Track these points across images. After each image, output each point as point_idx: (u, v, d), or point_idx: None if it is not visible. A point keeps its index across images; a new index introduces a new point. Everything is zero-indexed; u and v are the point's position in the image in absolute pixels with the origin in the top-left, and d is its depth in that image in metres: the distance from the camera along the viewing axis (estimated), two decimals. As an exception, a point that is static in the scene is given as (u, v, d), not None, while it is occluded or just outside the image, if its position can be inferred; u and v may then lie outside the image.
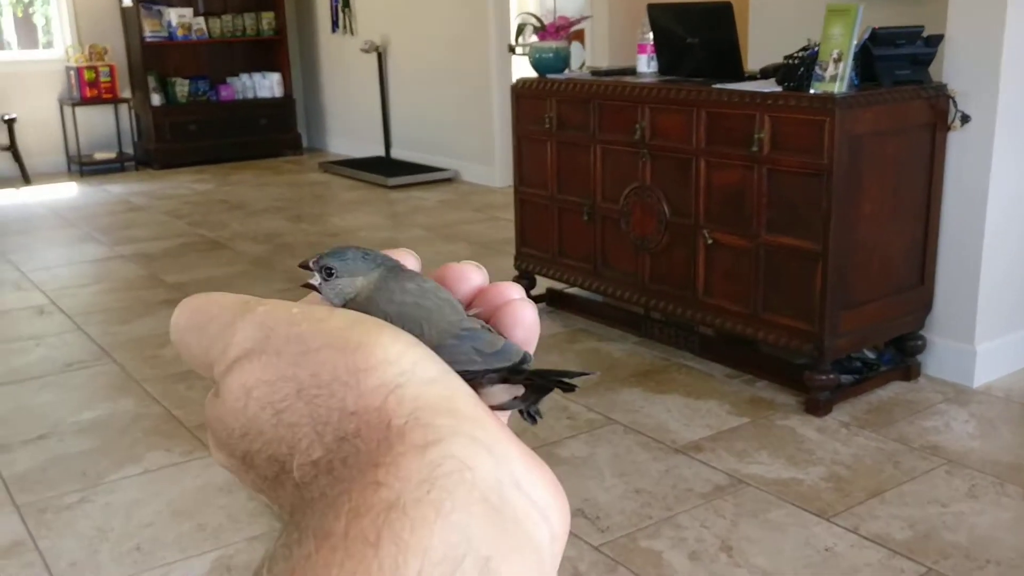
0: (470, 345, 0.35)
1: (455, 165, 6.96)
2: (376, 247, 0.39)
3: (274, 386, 0.33)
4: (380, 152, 7.65)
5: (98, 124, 7.88)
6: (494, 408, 0.34)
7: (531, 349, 0.37)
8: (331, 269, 0.37)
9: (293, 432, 0.32)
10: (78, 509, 2.43)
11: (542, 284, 3.91)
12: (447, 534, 0.29)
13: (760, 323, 2.97)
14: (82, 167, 7.65)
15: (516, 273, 3.89)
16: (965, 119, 2.94)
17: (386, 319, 0.35)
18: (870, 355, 3.14)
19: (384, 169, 7.06)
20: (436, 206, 6.11)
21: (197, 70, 8.16)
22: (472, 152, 6.82)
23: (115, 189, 7.04)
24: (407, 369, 0.32)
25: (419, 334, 0.35)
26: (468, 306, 0.38)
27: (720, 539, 2.21)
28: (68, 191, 7.07)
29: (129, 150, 7.99)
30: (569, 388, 0.35)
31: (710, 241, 3.07)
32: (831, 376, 2.84)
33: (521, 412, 0.36)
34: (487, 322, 0.37)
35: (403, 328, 0.35)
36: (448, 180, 6.91)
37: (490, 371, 0.35)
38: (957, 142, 2.98)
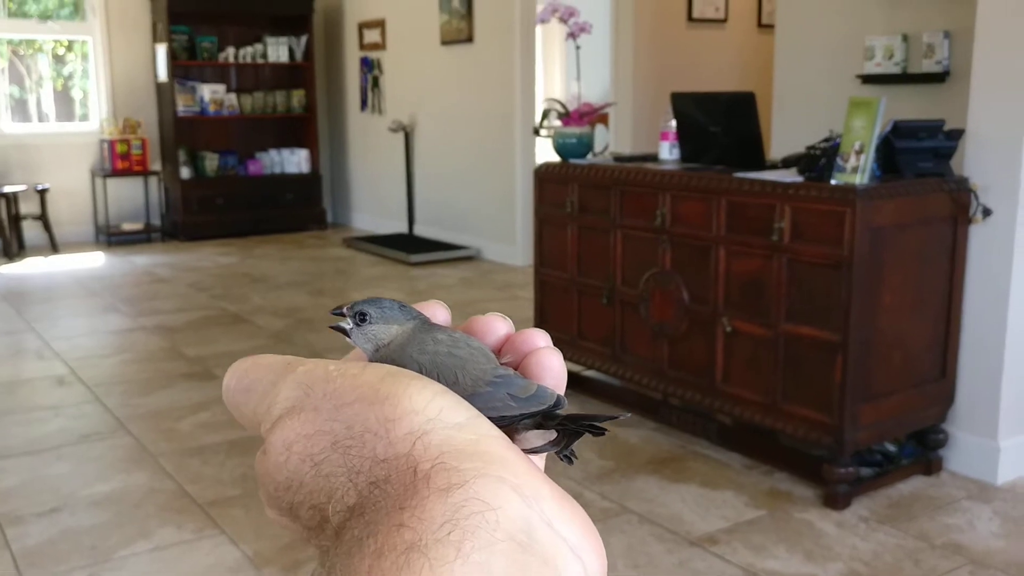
0: (505, 391, 0.36)
1: (477, 243, 7.01)
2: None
3: (312, 440, 0.35)
4: (404, 229, 7.73)
5: (128, 195, 8.02)
6: (529, 452, 0.36)
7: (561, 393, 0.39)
8: (366, 315, 0.39)
9: (330, 482, 0.34)
10: (85, 586, 2.41)
11: (560, 366, 3.89)
12: (467, 572, 0.30)
13: (779, 413, 2.94)
14: (110, 237, 7.76)
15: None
16: (987, 212, 2.94)
17: (419, 369, 0.37)
18: (891, 448, 3.10)
19: (407, 246, 7.11)
20: (457, 284, 6.14)
21: (227, 144, 8.32)
22: (494, 230, 6.87)
23: (141, 260, 7.13)
24: (434, 416, 0.34)
25: (454, 382, 0.36)
26: (497, 355, 0.39)
27: (736, 637, 2.15)
28: (95, 261, 7.16)
29: (157, 221, 8.12)
30: (599, 432, 0.36)
31: (729, 329, 3.06)
32: (850, 469, 2.79)
33: (557, 454, 0.37)
34: (516, 370, 0.38)
35: (438, 377, 0.37)
36: (470, 258, 6.96)
37: (525, 416, 0.36)
38: (979, 235, 2.98)
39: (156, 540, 2.65)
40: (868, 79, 4.27)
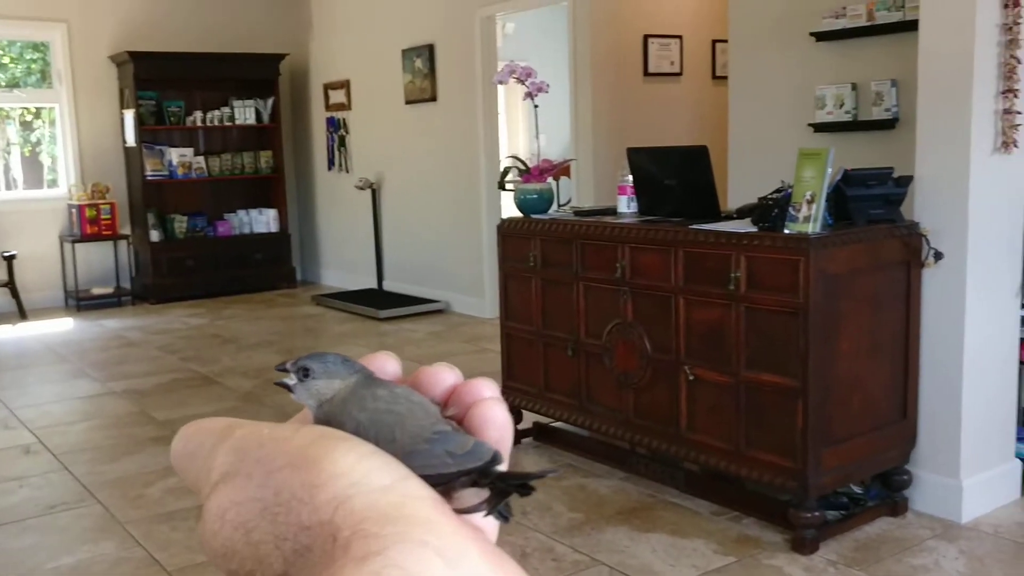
0: (442, 448, 0.36)
1: (446, 296, 7.05)
2: None
3: (244, 507, 0.35)
4: (373, 284, 7.76)
5: (97, 260, 8.01)
6: (462, 512, 0.35)
7: (505, 447, 0.38)
8: (309, 370, 0.39)
9: (259, 550, 0.34)
10: (51, 660, 2.38)
11: (528, 418, 3.91)
12: None
13: (743, 460, 2.97)
14: (79, 302, 7.73)
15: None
16: (938, 256, 3.02)
17: (358, 426, 0.37)
18: (857, 490, 3.13)
19: (376, 301, 7.14)
20: (426, 337, 6.16)
21: (196, 206, 8.35)
22: (462, 284, 6.92)
23: (111, 324, 7.10)
24: (358, 480, 0.34)
25: (392, 440, 0.36)
26: (444, 406, 0.39)
27: None
28: (64, 326, 7.12)
29: (126, 285, 8.09)
30: (527, 492, 0.36)
31: (692, 377, 3.10)
32: (816, 514, 2.82)
33: (488, 513, 0.36)
34: (460, 422, 0.38)
35: (376, 435, 0.36)
36: (439, 311, 6.99)
37: (461, 473, 0.36)
38: (932, 279, 3.05)
39: (123, 610, 2.63)
40: (820, 127, 4.38)
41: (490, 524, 0.37)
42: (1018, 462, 3.20)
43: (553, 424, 3.87)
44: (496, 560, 0.34)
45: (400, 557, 0.32)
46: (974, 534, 2.94)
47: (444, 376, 0.41)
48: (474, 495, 0.36)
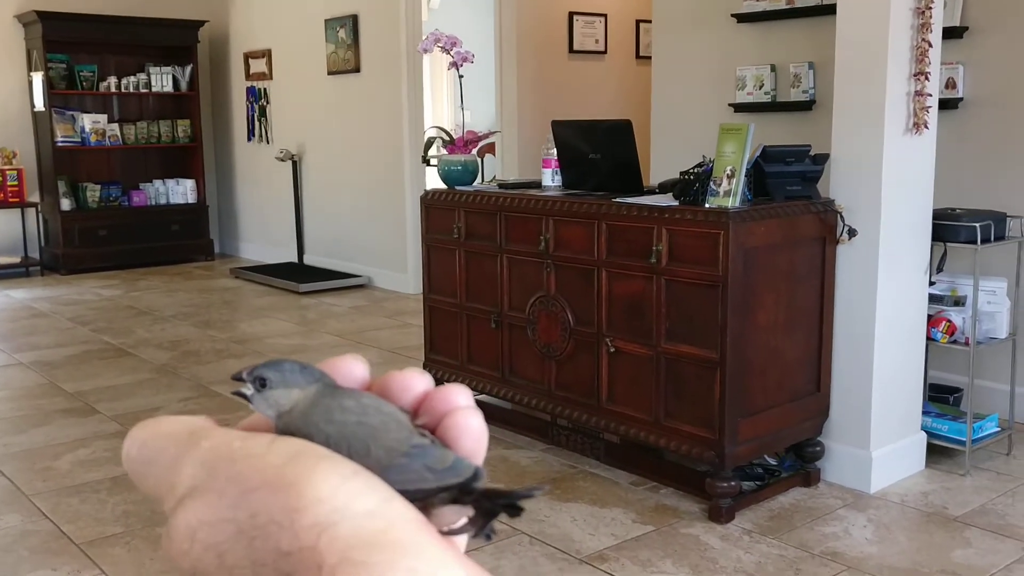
0: (421, 463, 0.35)
1: (368, 272, 6.98)
2: (286, 354, 0.39)
3: (216, 528, 0.33)
4: (293, 258, 7.64)
5: (3, 228, 7.72)
6: (449, 533, 0.34)
7: (479, 458, 0.37)
8: (265, 380, 0.37)
9: (233, 573, 0.33)
10: (-47, 635, 2.30)
11: (451, 392, 3.90)
12: None
13: (662, 430, 3.01)
14: (-16, 272, 7.45)
15: (425, 381, 3.89)
16: (852, 233, 3.09)
17: (327, 440, 0.34)
18: (771, 461, 3.21)
19: (296, 275, 7.04)
20: (348, 312, 6.10)
21: (109, 176, 8.10)
22: (385, 259, 6.86)
23: (18, 294, 6.86)
24: (340, 506, 0.32)
25: (366, 454, 0.34)
26: (414, 415, 0.37)
27: (622, 651, 2.19)
28: (-33, 296, 6.86)
29: (35, 255, 7.82)
30: (516, 513, 0.34)
31: (612, 349, 3.13)
32: (732, 483, 2.88)
33: (474, 535, 0.35)
34: (433, 432, 0.36)
35: (348, 449, 0.34)
36: (361, 286, 6.92)
37: (442, 489, 0.34)
38: (846, 255, 3.12)
39: (30, 584, 2.55)
40: (740, 107, 4.44)
41: (461, 537, 0.36)
42: (923, 435, 3.31)
43: (476, 397, 3.86)
44: None
45: None
46: (882, 503, 3.03)
47: (414, 382, 0.38)
48: (454, 512, 0.35)
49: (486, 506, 0.34)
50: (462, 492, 0.34)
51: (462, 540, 0.36)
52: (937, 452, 3.33)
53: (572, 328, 3.26)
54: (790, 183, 3.07)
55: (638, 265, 3.02)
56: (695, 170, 3.03)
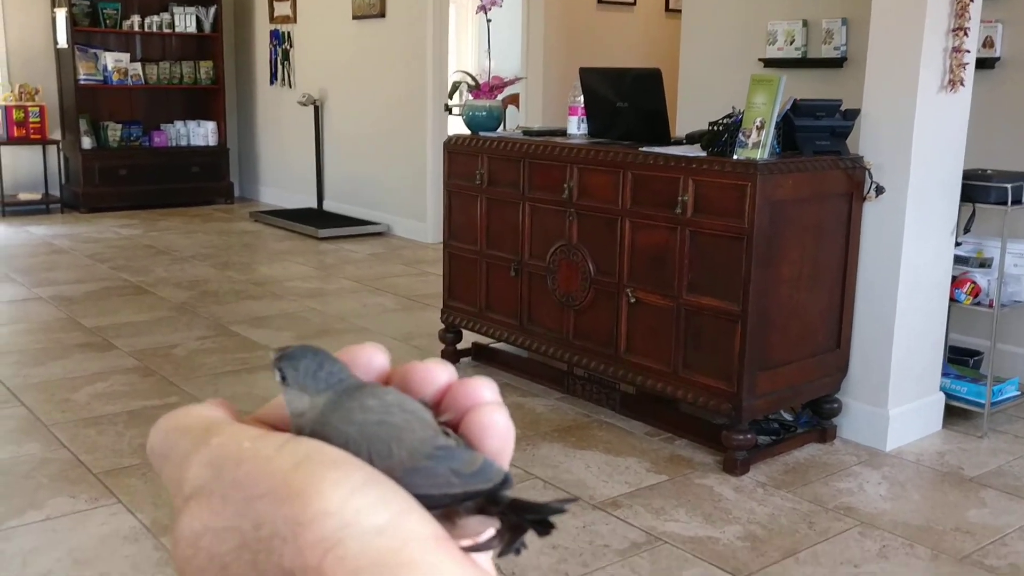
0: (447, 466, 0.32)
1: (387, 220, 6.97)
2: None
3: (220, 537, 0.31)
4: (312, 204, 7.63)
5: (24, 165, 7.73)
6: (471, 550, 0.31)
7: (506, 459, 0.34)
8: (284, 376, 0.35)
9: None
10: (-27, 555, 2.33)
11: (468, 338, 3.91)
12: None
13: (680, 382, 3.00)
14: (5, 207, 7.47)
15: (443, 326, 3.89)
16: (880, 190, 3.05)
17: (347, 442, 0.32)
18: (787, 417, 3.20)
19: (315, 221, 7.03)
20: (366, 259, 6.10)
21: (131, 115, 8.09)
22: (405, 207, 6.84)
23: (38, 231, 6.89)
24: (350, 520, 0.29)
25: (388, 455, 0.32)
26: (436, 410, 0.35)
27: (634, 595, 2.20)
28: (-12, 231, 6.89)
29: (56, 192, 7.84)
30: (546, 531, 0.31)
31: (633, 300, 3.11)
32: (749, 436, 2.87)
33: (501, 553, 0.32)
34: (456, 428, 0.34)
35: (368, 451, 0.32)
36: (379, 234, 6.91)
37: (468, 496, 0.32)
38: (872, 212, 3.08)
39: (48, 510, 2.58)
40: (770, 63, 4.37)
41: (486, 552, 0.33)
42: (942, 395, 3.29)
43: (493, 345, 3.86)
44: None
45: None
46: (897, 461, 3.03)
47: (437, 374, 0.36)
48: (479, 523, 0.32)
49: (513, 520, 0.31)
50: (489, 501, 0.32)
51: (487, 556, 0.34)
52: (955, 414, 3.32)
53: (593, 278, 3.24)
54: (819, 137, 3.02)
55: (663, 216, 2.99)
56: (724, 121, 2.99)
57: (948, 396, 3.30)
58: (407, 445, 0.32)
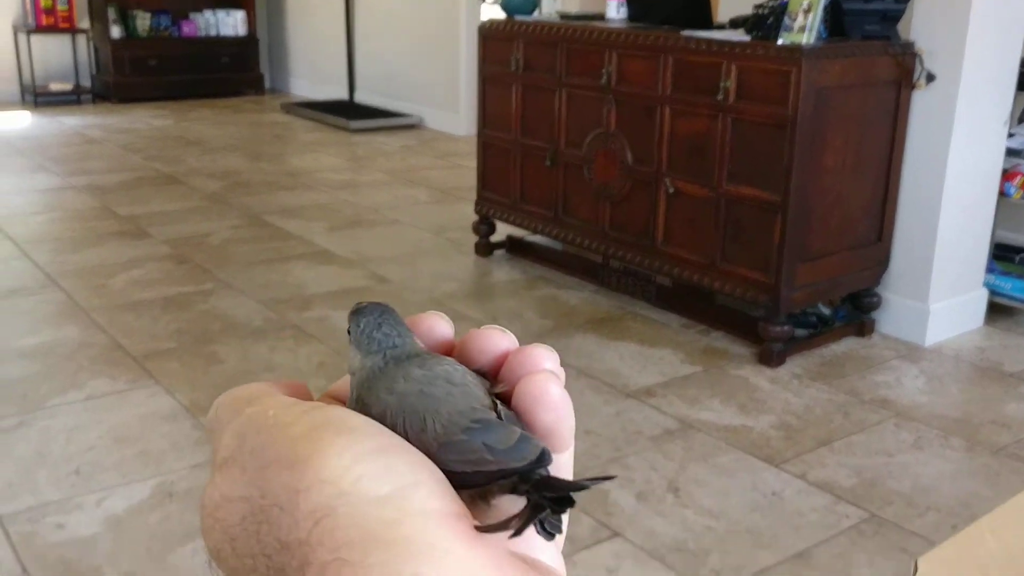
0: (481, 440, 0.30)
1: (420, 112, 6.87)
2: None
3: (232, 508, 0.29)
4: (344, 96, 7.53)
5: (54, 54, 7.67)
6: (483, 530, 0.28)
7: (560, 434, 0.31)
8: (349, 331, 0.34)
9: (244, 563, 0.29)
10: (16, 432, 2.37)
11: (502, 231, 3.87)
12: None
13: (717, 273, 2.96)
14: (36, 97, 7.44)
15: (476, 218, 3.85)
16: (930, 78, 2.94)
17: (384, 411, 0.31)
18: (825, 311, 3.16)
19: (347, 112, 6.95)
20: (398, 151, 6.03)
21: (159, 4, 7.95)
22: (437, 99, 6.73)
23: (70, 121, 6.87)
24: (347, 489, 0.27)
25: (421, 429, 0.30)
26: (494, 379, 0.33)
27: (668, 480, 2.21)
28: (21, 121, 6.88)
29: (86, 83, 7.79)
30: (562, 507, 0.28)
31: (671, 190, 3.05)
32: (785, 328, 2.84)
33: (517, 532, 0.28)
34: (509, 400, 0.32)
35: (404, 423, 0.30)
36: (412, 126, 6.83)
37: (504, 473, 0.29)
38: (921, 101, 2.98)
39: (88, 390, 2.61)
40: (821, -56, 4.18)
41: (531, 537, 0.30)
42: (985, 291, 3.23)
43: (527, 237, 3.83)
44: None
45: None
46: (936, 356, 2.99)
47: (495, 340, 0.33)
48: (511, 503, 0.30)
49: (535, 498, 0.28)
50: (521, 480, 0.29)
51: (553, 547, 0.31)
52: (998, 311, 3.26)
53: (630, 167, 3.18)
54: (869, 22, 2.90)
55: (704, 102, 2.90)
56: (770, 4, 2.88)
57: (991, 292, 3.24)
58: (443, 418, 0.30)
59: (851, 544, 1.99)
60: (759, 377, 2.79)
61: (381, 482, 0.27)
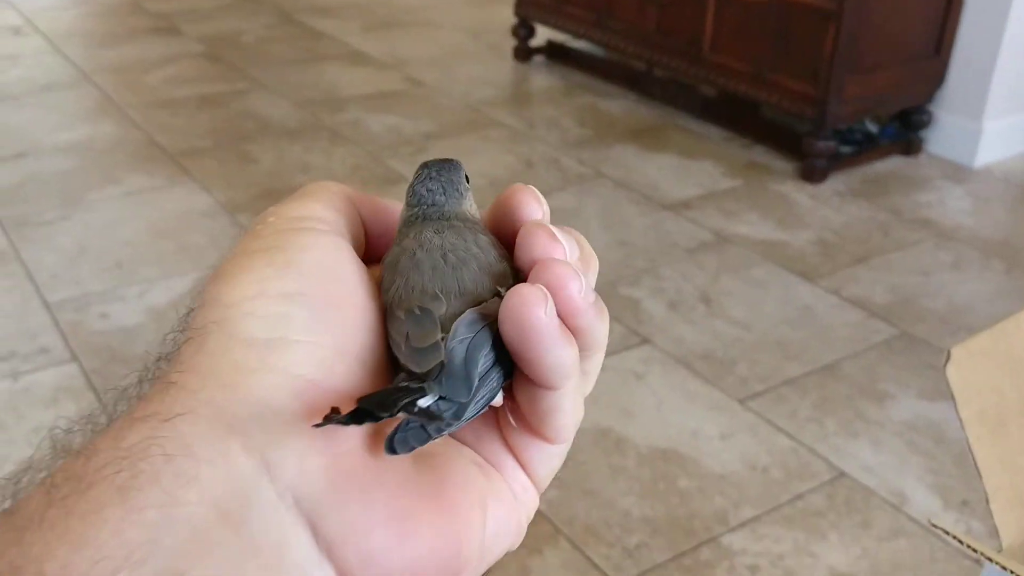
0: (408, 327, 0.28)
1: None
2: None
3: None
4: None
5: None
6: (319, 425, 0.25)
7: (551, 382, 0.28)
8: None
9: (147, 358, 0.30)
10: (58, 225, 2.40)
11: (542, 35, 3.75)
12: (124, 533, 0.22)
13: (764, 84, 2.86)
14: None
15: (516, 21, 3.72)
16: None
17: (389, 261, 0.31)
18: (872, 128, 3.06)
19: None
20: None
21: None
22: None
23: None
24: (230, 318, 0.27)
25: (386, 290, 0.30)
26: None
27: (700, 291, 2.21)
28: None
29: None
30: (358, 418, 0.25)
31: (722, -6, 2.91)
32: (830, 143, 2.77)
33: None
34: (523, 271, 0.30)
35: (385, 279, 0.30)
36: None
37: (400, 367, 0.28)
38: (998, -99, 2.77)
39: (127, 186, 2.63)
40: None
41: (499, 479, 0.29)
42: (1042, 111, 3.11)
43: (570, 44, 3.70)
44: (352, 496, 0.25)
45: (191, 434, 0.24)
46: (984, 178, 2.91)
47: (523, 208, 0.31)
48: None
49: (362, 405, 0.25)
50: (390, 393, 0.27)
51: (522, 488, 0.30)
52: (1053, 131, 3.15)
53: (679, -32, 3.02)
54: None
55: (762, -103, 2.72)
56: None
57: (1048, 112, 3.11)
58: (407, 289, 0.30)
59: (880, 358, 2.00)
60: (800, 193, 2.74)
61: (265, 327, 0.26)
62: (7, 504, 0.24)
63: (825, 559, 1.49)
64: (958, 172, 2.94)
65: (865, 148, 2.97)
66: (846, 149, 2.93)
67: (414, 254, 0.30)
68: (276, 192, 2.59)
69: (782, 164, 2.91)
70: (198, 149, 2.86)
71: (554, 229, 0.29)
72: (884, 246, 2.47)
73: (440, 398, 0.27)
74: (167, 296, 2.11)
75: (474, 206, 0.34)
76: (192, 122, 3.05)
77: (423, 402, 0.26)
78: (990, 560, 0.46)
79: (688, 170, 2.86)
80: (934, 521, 0.49)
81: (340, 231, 0.31)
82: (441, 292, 0.29)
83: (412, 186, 0.33)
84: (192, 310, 0.28)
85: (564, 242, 0.29)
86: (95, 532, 0.22)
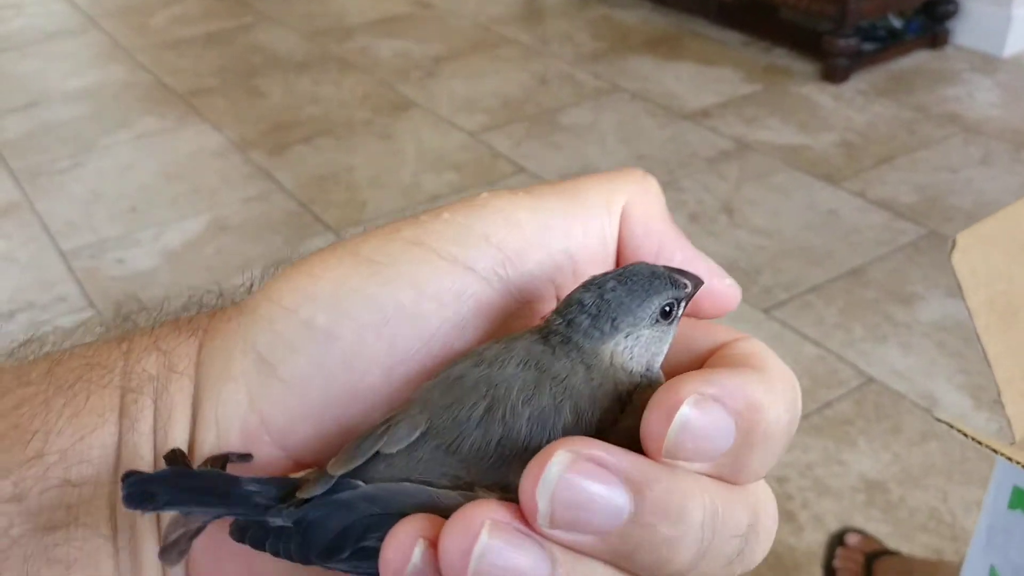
0: (366, 434, 0.26)
1: None
2: None
3: None
4: None
5: None
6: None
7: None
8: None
9: None
10: (71, 173, 2.39)
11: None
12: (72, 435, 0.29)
13: (781, -17, 2.76)
14: None
15: (523, -65, 3.61)
16: None
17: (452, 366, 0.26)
18: (896, 23, 2.95)
19: None
20: None
21: None
22: None
23: None
24: (267, 315, 0.29)
25: (419, 387, 0.27)
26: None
27: (721, 202, 2.16)
28: None
29: None
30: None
31: None
32: (852, 41, 2.67)
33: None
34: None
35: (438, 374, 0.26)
36: None
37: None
38: None
39: (138, 129, 2.61)
40: None
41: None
42: (1075, -6, 2.98)
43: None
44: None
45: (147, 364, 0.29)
46: (1014, 67, 2.81)
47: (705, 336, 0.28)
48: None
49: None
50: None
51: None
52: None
53: None
54: None
55: None
56: None
57: (1081, -6, 2.98)
58: (418, 402, 0.25)
59: (907, 260, 1.95)
60: (822, 94, 2.66)
61: (270, 345, 0.27)
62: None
63: (855, 467, 1.47)
64: (986, 63, 2.83)
65: (889, 44, 2.87)
66: (869, 46, 2.83)
67: (462, 378, 0.25)
68: (286, 126, 2.56)
69: (803, 66, 2.82)
70: (207, 88, 2.82)
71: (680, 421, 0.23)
72: (910, 144, 2.40)
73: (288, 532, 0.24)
74: (182, 237, 2.10)
75: (641, 360, 0.26)
76: (199, 61, 3.01)
77: (272, 519, 0.24)
78: (995, 452, 0.43)
79: (706, 78, 2.78)
80: (937, 415, 0.47)
81: (519, 286, 0.28)
82: (439, 434, 0.24)
83: (577, 287, 0.26)
84: (262, 275, 0.30)
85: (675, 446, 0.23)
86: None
